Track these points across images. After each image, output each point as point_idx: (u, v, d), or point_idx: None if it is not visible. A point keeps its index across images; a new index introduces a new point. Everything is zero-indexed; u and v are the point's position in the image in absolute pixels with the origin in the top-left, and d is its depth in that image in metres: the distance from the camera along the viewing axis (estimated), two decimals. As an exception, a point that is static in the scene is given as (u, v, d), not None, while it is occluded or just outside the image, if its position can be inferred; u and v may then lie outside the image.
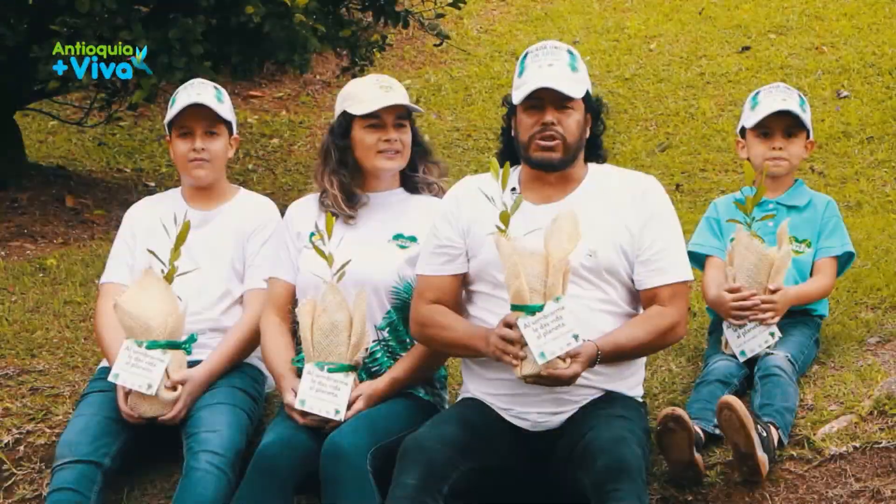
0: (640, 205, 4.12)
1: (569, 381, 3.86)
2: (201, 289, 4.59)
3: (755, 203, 4.51)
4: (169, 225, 4.43)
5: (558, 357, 3.80)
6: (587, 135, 4.18)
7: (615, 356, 4.00)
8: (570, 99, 4.07)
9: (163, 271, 4.40)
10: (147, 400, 4.34)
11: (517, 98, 4.09)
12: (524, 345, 3.81)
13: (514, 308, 3.84)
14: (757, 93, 4.89)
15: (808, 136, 4.86)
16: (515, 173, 4.18)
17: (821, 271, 4.75)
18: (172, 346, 4.37)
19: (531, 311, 3.81)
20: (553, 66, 4.07)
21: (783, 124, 4.79)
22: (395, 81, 4.49)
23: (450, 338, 4.12)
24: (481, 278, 4.14)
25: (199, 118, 4.66)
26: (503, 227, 3.87)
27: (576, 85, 4.09)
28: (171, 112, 4.69)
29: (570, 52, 4.14)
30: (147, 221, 4.71)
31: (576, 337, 3.80)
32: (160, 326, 4.34)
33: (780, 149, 4.80)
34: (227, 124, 4.74)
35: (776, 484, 4.21)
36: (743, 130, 4.89)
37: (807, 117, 4.82)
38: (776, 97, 4.81)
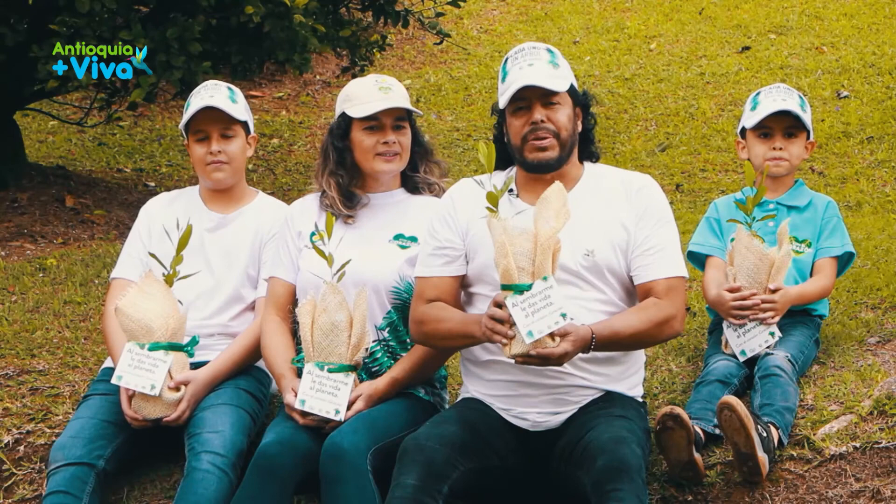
0: (636, 202, 4.12)
1: (559, 360, 3.83)
2: (213, 292, 4.58)
3: (755, 203, 4.51)
4: (171, 230, 4.43)
5: (548, 336, 3.79)
6: (579, 129, 4.19)
7: (610, 341, 3.96)
8: (554, 94, 4.08)
9: (164, 274, 4.40)
10: (151, 401, 4.34)
11: (503, 102, 4.10)
12: (513, 324, 3.80)
13: (504, 287, 3.83)
14: (757, 93, 4.89)
15: (808, 137, 4.86)
16: (511, 174, 4.17)
17: (821, 271, 4.76)
18: (174, 347, 4.36)
19: (519, 290, 3.79)
20: (533, 66, 4.08)
21: (783, 124, 4.79)
22: (395, 82, 4.48)
23: (446, 329, 4.09)
24: (481, 280, 4.14)
25: (214, 121, 4.63)
26: (493, 209, 3.85)
27: (558, 80, 4.09)
28: (186, 116, 4.67)
29: (550, 51, 4.15)
30: (161, 219, 4.68)
31: (564, 315, 3.78)
32: (162, 328, 4.33)
33: (781, 149, 4.80)
34: (243, 124, 4.70)
35: (776, 484, 4.21)
36: (743, 131, 4.89)
37: (807, 117, 4.82)
38: (776, 97, 4.81)
